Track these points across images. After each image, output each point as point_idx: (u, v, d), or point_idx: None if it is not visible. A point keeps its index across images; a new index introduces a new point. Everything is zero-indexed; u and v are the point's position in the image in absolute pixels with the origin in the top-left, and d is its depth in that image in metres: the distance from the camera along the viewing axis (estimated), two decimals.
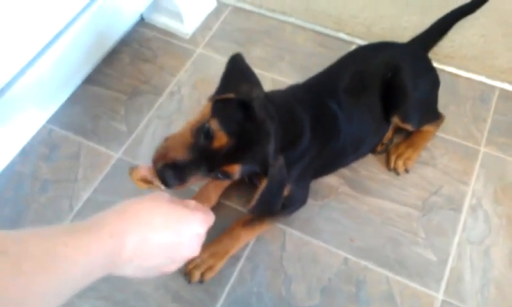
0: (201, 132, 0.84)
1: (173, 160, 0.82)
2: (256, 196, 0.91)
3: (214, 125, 0.84)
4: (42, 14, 1.18)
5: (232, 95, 0.88)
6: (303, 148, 1.02)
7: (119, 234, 0.61)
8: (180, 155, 0.83)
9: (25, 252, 0.52)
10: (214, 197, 1.17)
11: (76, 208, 1.20)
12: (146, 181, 0.86)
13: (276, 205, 0.99)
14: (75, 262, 0.55)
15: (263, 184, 0.90)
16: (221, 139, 0.83)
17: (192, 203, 0.77)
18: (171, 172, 0.81)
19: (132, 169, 0.86)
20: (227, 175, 0.86)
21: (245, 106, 0.86)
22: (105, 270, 0.60)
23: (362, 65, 1.18)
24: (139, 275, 0.68)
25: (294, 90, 1.14)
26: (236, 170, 0.85)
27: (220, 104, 0.88)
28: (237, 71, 0.95)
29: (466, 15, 1.38)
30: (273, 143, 0.88)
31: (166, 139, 0.87)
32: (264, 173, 0.89)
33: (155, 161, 0.83)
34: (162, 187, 0.84)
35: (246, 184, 1.11)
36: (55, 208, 1.21)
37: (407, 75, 1.15)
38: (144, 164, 0.87)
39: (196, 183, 0.87)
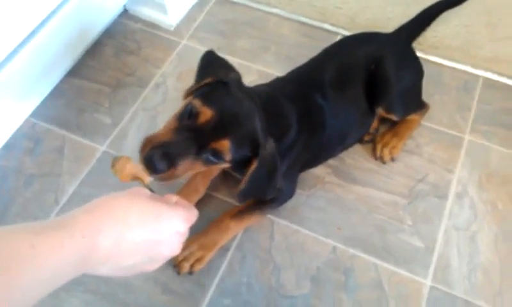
0: (185, 114, 0.85)
1: (160, 143, 0.81)
2: (246, 178, 0.91)
3: (197, 103, 0.85)
4: (23, 5, 1.16)
5: (210, 79, 0.91)
6: (290, 141, 1.03)
7: (92, 233, 0.58)
8: (167, 137, 0.82)
9: None
10: (201, 188, 1.16)
11: (62, 202, 1.19)
12: (130, 173, 0.81)
13: (267, 191, 0.99)
14: (42, 264, 0.52)
15: (253, 166, 0.90)
16: (206, 113, 0.84)
17: (174, 198, 0.73)
18: (158, 154, 0.79)
19: (115, 160, 0.80)
20: (218, 155, 0.85)
21: (225, 87, 0.89)
22: (78, 271, 0.57)
23: (346, 57, 1.18)
24: (116, 274, 0.64)
25: (279, 83, 1.14)
26: (226, 146, 0.85)
27: (200, 90, 0.90)
28: (212, 62, 0.98)
29: (451, 7, 1.39)
30: (259, 122, 0.89)
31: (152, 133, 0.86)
32: (255, 155, 0.89)
33: (142, 148, 0.82)
34: (148, 178, 0.81)
35: (234, 178, 1.11)
36: (40, 202, 1.19)
37: (390, 66, 1.16)
38: (128, 156, 0.83)
39: (186, 170, 0.85)
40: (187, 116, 0.85)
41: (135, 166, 0.81)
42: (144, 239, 0.64)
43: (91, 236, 0.58)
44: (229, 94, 0.88)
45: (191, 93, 0.91)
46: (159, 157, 0.79)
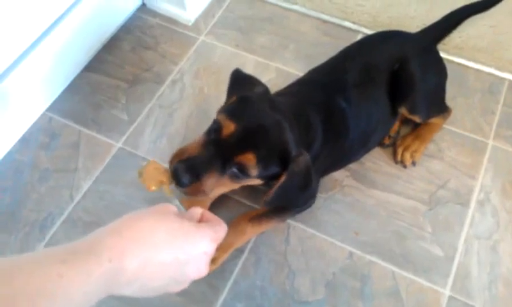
0: (212, 130, 0.87)
1: (186, 157, 0.84)
2: (274, 190, 0.90)
3: (221, 117, 0.86)
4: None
5: (235, 98, 0.92)
6: (315, 153, 1.01)
7: (119, 256, 0.57)
8: (194, 151, 0.84)
9: (14, 294, 0.48)
10: None
11: (77, 198, 1.18)
12: (158, 180, 0.82)
13: (297, 202, 1.00)
14: (69, 295, 0.52)
15: (282, 179, 0.88)
16: (229, 126, 0.85)
17: (199, 211, 0.71)
18: (183, 167, 0.82)
19: (142, 169, 0.83)
20: (244, 169, 0.85)
21: (250, 101, 0.90)
22: (102, 294, 0.57)
23: (369, 56, 1.15)
24: (140, 295, 0.63)
25: (302, 88, 1.12)
26: (252, 161, 0.84)
27: (228, 107, 0.92)
28: (239, 80, 0.99)
29: (479, 12, 1.36)
30: (291, 134, 0.88)
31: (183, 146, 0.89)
32: (285, 168, 0.88)
33: (170, 160, 0.85)
34: (175, 191, 0.83)
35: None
36: (55, 198, 1.18)
37: (415, 66, 1.13)
38: (153, 159, 0.86)
39: (214, 186, 0.86)
40: (213, 132, 0.86)
41: (161, 171, 0.83)
42: (172, 261, 0.63)
43: (118, 260, 0.57)
44: (254, 108, 0.89)
45: (221, 111, 0.92)
46: (183, 170, 0.82)
